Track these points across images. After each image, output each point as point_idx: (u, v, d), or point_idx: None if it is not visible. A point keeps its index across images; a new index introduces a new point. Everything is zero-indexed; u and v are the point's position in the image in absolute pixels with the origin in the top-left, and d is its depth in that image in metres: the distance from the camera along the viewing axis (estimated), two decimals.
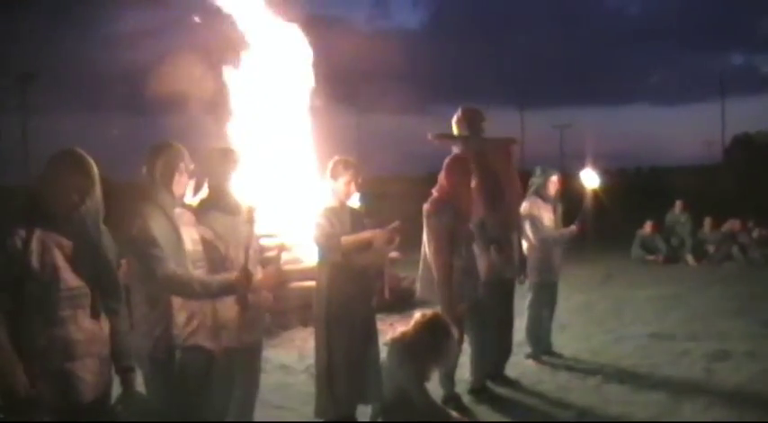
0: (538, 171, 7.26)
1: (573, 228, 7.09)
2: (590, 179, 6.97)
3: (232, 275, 3.69)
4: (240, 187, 3.95)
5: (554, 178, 7.17)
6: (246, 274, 3.61)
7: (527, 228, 6.97)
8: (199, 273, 3.72)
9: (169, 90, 9.80)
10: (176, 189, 3.75)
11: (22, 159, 32.22)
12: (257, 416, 4.67)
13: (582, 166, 7.22)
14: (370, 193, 5.50)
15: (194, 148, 3.95)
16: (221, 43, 10.73)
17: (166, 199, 3.72)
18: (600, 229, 11.43)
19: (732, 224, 15.75)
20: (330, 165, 5.07)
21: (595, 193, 7.03)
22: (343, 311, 4.80)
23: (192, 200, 4.08)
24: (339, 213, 4.94)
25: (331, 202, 4.99)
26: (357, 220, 5.05)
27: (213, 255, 3.96)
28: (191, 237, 3.79)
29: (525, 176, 7.17)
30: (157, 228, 3.59)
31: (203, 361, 3.77)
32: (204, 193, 4.20)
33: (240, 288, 3.64)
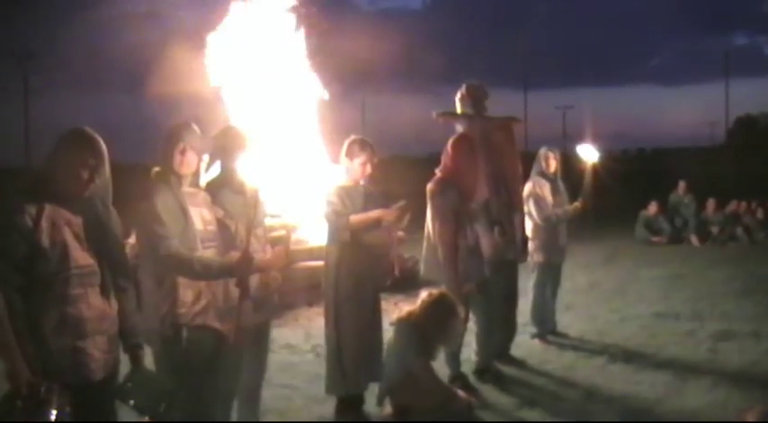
0: (542, 150, 7.25)
1: (576, 204, 7.09)
2: (588, 153, 6.94)
3: (234, 258, 3.68)
4: (248, 167, 3.93)
5: (550, 154, 7.15)
6: (247, 258, 3.60)
7: (531, 207, 6.96)
8: (209, 253, 3.71)
9: (175, 71, 9.78)
10: (180, 168, 3.73)
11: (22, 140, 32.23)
12: (263, 395, 4.70)
13: (581, 143, 7.18)
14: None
15: (203, 128, 3.93)
16: (225, 24, 10.70)
17: (171, 178, 3.72)
18: (602, 207, 11.40)
19: (736, 205, 15.76)
20: (345, 144, 5.04)
21: (595, 167, 7.00)
22: (352, 290, 4.80)
23: (203, 179, 4.07)
24: (352, 193, 4.92)
25: (345, 181, 4.97)
26: (371, 200, 5.03)
27: (224, 233, 3.96)
28: (202, 216, 3.77)
29: (529, 157, 7.15)
30: (163, 206, 3.58)
31: (211, 341, 3.76)
32: (215, 172, 4.20)
33: (240, 271, 3.63)
